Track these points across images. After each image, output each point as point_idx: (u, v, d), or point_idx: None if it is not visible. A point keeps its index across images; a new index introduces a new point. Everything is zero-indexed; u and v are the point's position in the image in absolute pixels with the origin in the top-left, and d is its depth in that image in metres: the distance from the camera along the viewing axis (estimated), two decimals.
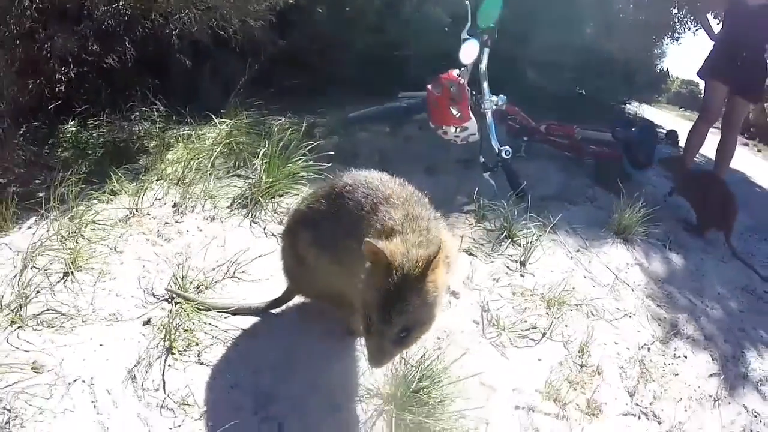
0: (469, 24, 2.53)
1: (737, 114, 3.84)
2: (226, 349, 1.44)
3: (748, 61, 3.64)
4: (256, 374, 1.38)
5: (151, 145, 2.46)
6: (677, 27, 6.87)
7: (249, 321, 1.55)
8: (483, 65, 2.55)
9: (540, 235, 2.22)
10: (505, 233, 2.26)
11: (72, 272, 1.59)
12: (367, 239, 1.07)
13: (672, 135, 6.02)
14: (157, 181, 2.15)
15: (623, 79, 5.51)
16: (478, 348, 1.64)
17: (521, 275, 2.08)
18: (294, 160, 2.18)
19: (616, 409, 1.58)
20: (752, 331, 2.30)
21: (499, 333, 1.73)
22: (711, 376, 1.92)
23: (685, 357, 1.98)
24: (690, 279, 2.57)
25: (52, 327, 1.42)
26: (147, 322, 1.49)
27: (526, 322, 1.81)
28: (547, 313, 1.88)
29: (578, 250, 2.40)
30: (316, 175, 2.17)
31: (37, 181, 2.11)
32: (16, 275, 1.55)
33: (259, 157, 2.22)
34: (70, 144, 2.37)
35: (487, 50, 2.53)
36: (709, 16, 4.13)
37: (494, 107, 2.64)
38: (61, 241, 1.71)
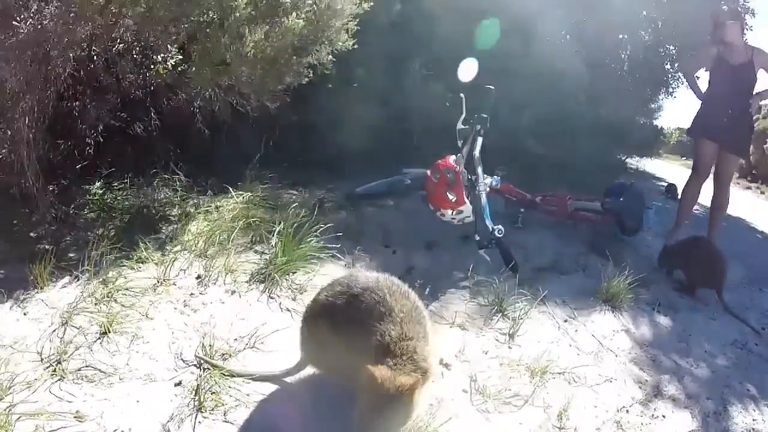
0: (463, 115, 2.82)
1: (727, 170, 3.99)
2: (249, 410, 1.60)
3: (735, 117, 3.79)
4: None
5: (173, 213, 2.63)
6: (671, 82, 7.20)
7: (268, 386, 1.71)
8: (477, 152, 2.82)
9: (529, 309, 2.41)
10: (496, 308, 2.44)
11: (107, 333, 1.75)
12: (366, 366, 1.35)
13: (671, 189, 6.34)
14: (181, 251, 2.33)
15: (619, 140, 5.82)
16: (465, 414, 1.79)
17: (509, 347, 2.25)
18: (307, 240, 2.37)
19: None
20: (738, 386, 2.40)
21: (485, 400, 1.88)
22: None
23: (664, 416, 2.08)
24: (676, 340, 2.70)
25: (92, 382, 1.57)
26: (178, 384, 1.64)
27: (510, 390, 1.96)
28: (531, 382, 2.04)
29: (566, 320, 2.57)
30: (326, 255, 2.41)
31: (67, 239, 2.27)
32: (54, 330, 1.72)
33: (275, 234, 2.43)
34: (96, 206, 2.54)
35: (480, 139, 2.81)
36: (696, 75, 4.27)
37: (488, 189, 2.91)
38: (95, 303, 1.87)
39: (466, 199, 2.76)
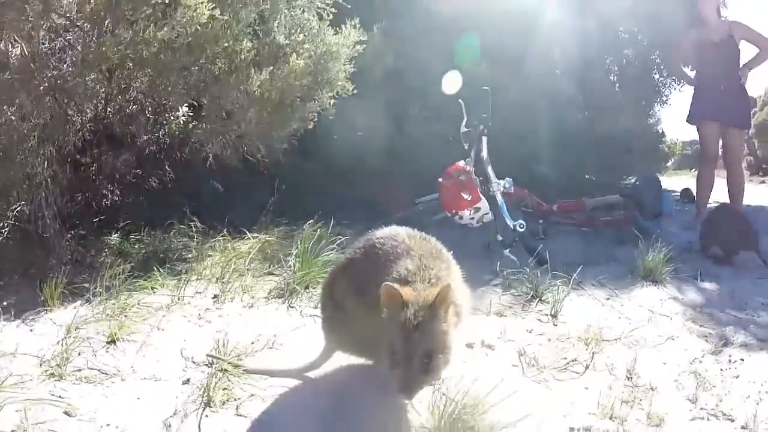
0: (465, 119, 2.88)
1: (736, 146, 3.95)
2: (265, 404, 1.44)
3: (730, 92, 3.80)
4: (299, 424, 1.36)
5: (190, 255, 2.61)
6: (662, 90, 7.19)
7: (289, 381, 1.56)
8: (484, 153, 2.82)
9: (568, 292, 2.26)
10: (531, 294, 2.31)
11: (115, 342, 1.66)
12: (386, 283, 1.23)
13: (686, 192, 6.16)
14: (197, 280, 2.27)
15: (623, 154, 5.75)
16: (519, 386, 1.60)
17: (554, 325, 2.09)
18: (325, 253, 2.32)
19: (680, 416, 1.52)
20: None
21: (540, 371, 1.70)
22: None
23: (742, 360, 1.91)
24: (728, 299, 2.56)
25: (92, 383, 1.46)
26: (186, 382, 1.51)
27: (565, 358, 1.79)
28: (586, 350, 1.87)
29: (608, 298, 2.42)
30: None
31: (83, 276, 2.23)
32: (59, 341, 1.62)
33: (292, 255, 2.36)
34: (113, 251, 2.53)
35: (485, 138, 2.83)
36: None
37: (502, 189, 2.85)
38: (106, 317, 1.79)
39: (481, 195, 2.70)
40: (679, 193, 6.28)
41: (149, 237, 2.72)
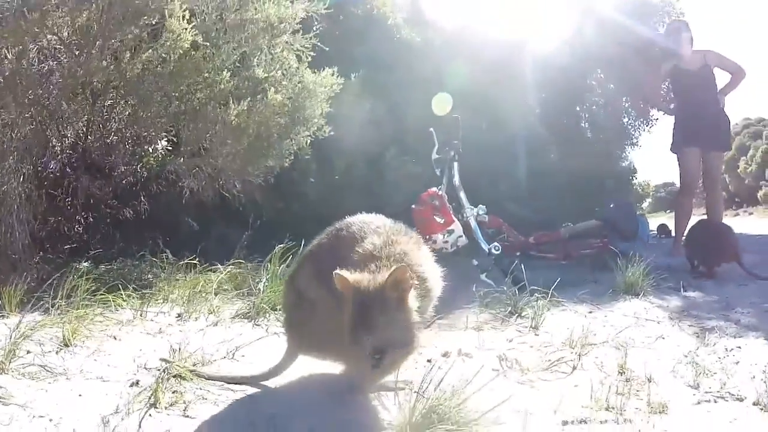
0: (436, 146, 2.95)
1: (715, 168, 4.02)
2: (216, 407, 1.37)
3: (709, 116, 3.88)
4: (249, 425, 1.29)
5: (159, 283, 2.57)
6: (632, 133, 7.38)
7: (244, 388, 1.50)
8: (456, 179, 2.88)
9: (549, 307, 2.24)
10: (510, 310, 2.27)
11: (68, 346, 1.61)
12: (336, 272, 1.16)
13: (663, 228, 6.30)
14: (162, 302, 2.23)
15: (596, 193, 5.80)
16: (502, 387, 1.52)
17: (535, 335, 2.04)
18: None
19: (684, 402, 1.46)
20: None
21: (524, 372, 1.65)
22: None
23: (739, 348, 1.87)
24: (714, 304, 2.56)
25: (35, 379, 1.39)
26: (135, 384, 1.44)
27: (549, 360, 1.73)
28: (572, 352, 1.81)
29: (590, 312, 2.40)
30: None
31: (45, 291, 2.18)
32: (8, 341, 1.56)
33: (262, 279, 2.35)
34: (81, 275, 2.49)
35: (456, 164, 2.89)
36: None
37: (476, 215, 2.88)
38: (61, 323, 1.72)
39: (454, 218, 2.73)
40: (656, 230, 6.41)
41: (119, 265, 2.69)
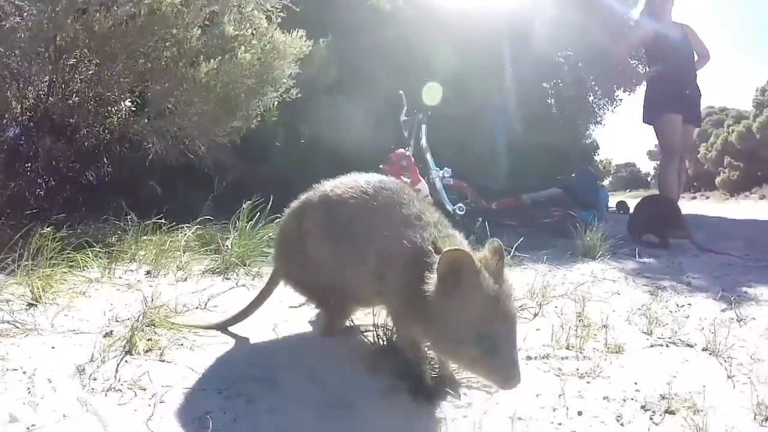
0: (405, 107, 2.98)
1: (690, 143, 4.00)
2: (192, 352, 1.38)
3: (692, 87, 3.85)
4: (228, 363, 1.32)
5: (125, 244, 2.53)
6: (597, 111, 7.59)
7: (218, 334, 1.51)
8: (423, 141, 2.92)
9: (509, 265, 2.30)
10: None
11: (36, 304, 1.57)
12: (450, 249, 0.98)
13: (622, 205, 6.52)
14: (130, 261, 2.20)
15: (560, 164, 5.97)
16: None
17: None
18: (265, 228, 2.31)
19: (638, 345, 1.56)
20: (747, 282, 2.39)
21: None
22: (723, 311, 1.92)
23: (690, 304, 1.99)
24: (668, 268, 2.69)
25: (4, 335, 1.36)
26: (108, 334, 1.43)
27: None
28: (533, 301, 1.91)
29: (550, 271, 2.49)
30: None
31: (9, 260, 2.12)
32: None
33: (230, 236, 2.33)
34: (45, 238, 2.42)
35: (424, 126, 2.92)
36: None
37: (441, 176, 2.93)
38: (29, 283, 1.69)
39: (421, 178, 2.78)
40: (615, 207, 6.65)
41: (83, 228, 2.62)
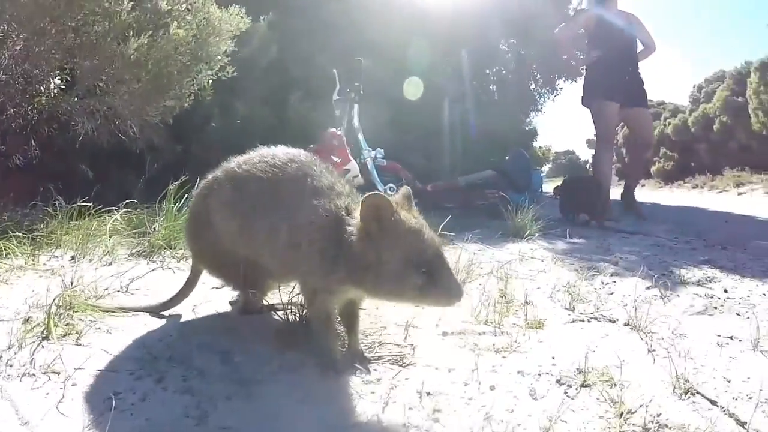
0: (338, 86, 2.98)
1: (648, 125, 3.93)
2: (109, 335, 1.37)
3: (635, 75, 3.83)
4: (142, 345, 1.32)
5: (51, 229, 2.46)
6: (538, 100, 7.83)
7: (142, 317, 1.51)
8: (356, 121, 2.93)
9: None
10: None
11: None
12: (370, 194, 1.05)
13: (558, 190, 6.74)
14: (56, 248, 2.15)
15: (499, 149, 6.10)
16: (380, 306, 1.61)
17: None
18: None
19: (559, 320, 1.58)
20: (674, 262, 2.47)
21: None
22: (648, 288, 1.97)
23: (614, 282, 2.04)
24: (598, 248, 2.76)
25: None
26: (26, 321, 1.41)
27: None
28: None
29: (479, 250, 2.53)
30: None
31: None
32: None
33: (158, 219, 2.31)
34: None
35: (356, 106, 2.94)
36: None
37: (373, 157, 2.98)
38: None
39: (351, 158, 2.81)
40: (552, 192, 6.88)
41: (10, 214, 2.54)
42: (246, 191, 1.29)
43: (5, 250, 1.96)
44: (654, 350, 1.35)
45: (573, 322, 1.58)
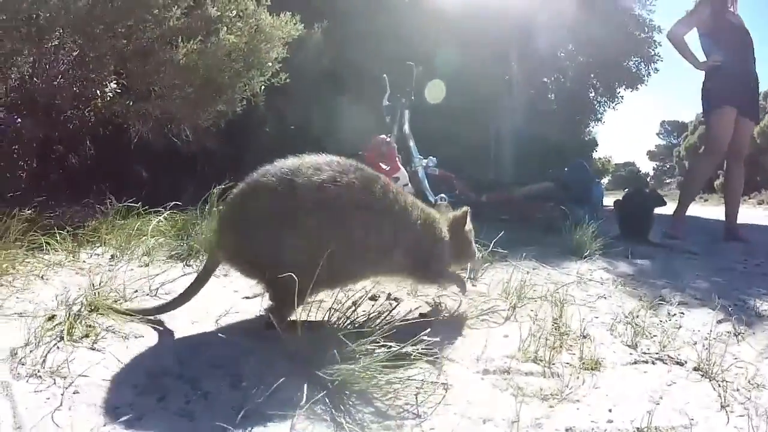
0: (388, 92, 2.88)
1: (746, 138, 3.63)
2: (126, 340, 1.34)
3: (753, 80, 3.55)
4: (154, 356, 1.27)
5: (100, 229, 2.51)
6: (597, 107, 7.49)
7: (162, 324, 1.47)
8: (406, 127, 2.83)
9: (492, 260, 2.19)
10: None
11: None
12: (465, 209, 1.75)
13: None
14: (99, 246, 2.17)
15: (558, 160, 5.83)
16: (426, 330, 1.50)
17: (473, 285, 2.01)
18: None
19: (619, 360, 1.39)
20: (747, 290, 2.23)
21: (452, 319, 1.64)
22: (720, 322, 1.75)
23: (682, 314, 1.84)
24: (663, 270, 2.53)
25: None
26: (51, 318, 1.40)
27: (481, 309, 1.70)
28: (506, 303, 1.79)
29: (534, 268, 2.35)
30: None
31: None
32: None
33: (199, 222, 2.29)
34: (22, 221, 2.41)
35: (407, 112, 2.83)
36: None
37: (424, 165, 2.85)
38: None
39: (400, 166, 2.70)
40: (613, 205, 6.52)
41: (64, 211, 2.62)
42: (338, 196, 1.36)
43: (48, 245, 1.99)
44: (728, 405, 1.15)
45: (635, 363, 1.38)
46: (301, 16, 3.30)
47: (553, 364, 1.31)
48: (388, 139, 2.80)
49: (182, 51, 2.55)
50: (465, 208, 1.69)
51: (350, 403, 1.07)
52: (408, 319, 1.58)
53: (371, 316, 1.41)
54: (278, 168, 1.43)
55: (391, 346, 1.16)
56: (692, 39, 3.84)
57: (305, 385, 1.05)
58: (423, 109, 3.31)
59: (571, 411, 1.10)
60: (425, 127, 3.21)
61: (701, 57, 3.76)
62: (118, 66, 2.74)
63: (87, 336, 1.33)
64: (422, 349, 1.20)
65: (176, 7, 2.58)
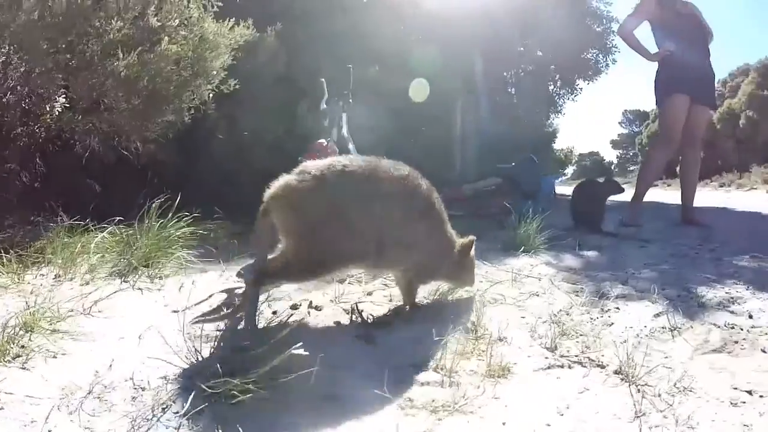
0: (326, 96, 2.90)
1: (701, 123, 3.65)
2: (55, 359, 1.36)
3: (705, 66, 3.57)
4: (77, 374, 1.27)
5: (48, 248, 2.49)
6: (557, 101, 7.64)
7: (94, 343, 1.49)
8: (345, 130, 2.84)
9: None
10: None
11: None
12: (472, 237, 1.85)
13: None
14: (45, 266, 2.16)
15: (518, 153, 5.90)
16: (338, 339, 1.53)
17: None
18: (171, 226, 2.27)
19: (532, 365, 1.30)
20: (695, 277, 2.18)
21: (366, 327, 1.63)
22: (657, 315, 1.68)
23: (617, 309, 1.75)
24: (610, 262, 2.50)
25: None
26: None
27: (398, 314, 1.72)
28: (430, 308, 1.78)
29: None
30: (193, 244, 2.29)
31: None
32: None
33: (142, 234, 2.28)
34: None
35: (344, 115, 2.86)
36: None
37: None
38: None
39: None
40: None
41: (12, 232, 2.58)
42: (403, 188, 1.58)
43: None
44: (643, 414, 1.05)
45: (548, 368, 1.29)
46: (254, 20, 3.31)
47: (456, 372, 1.23)
48: (326, 144, 2.81)
49: (123, 63, 2.53)
50: (471, 237, 1.79)
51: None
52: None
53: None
54: (358, 159, 1.62)
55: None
56: (647, 33, 3.92)
57: (190, 397, 1.08)
58: (379, 109, 3.31)
59: (460, 424, 1.02)
60: (387, 126, 3.22)
61: (656, 49, 3.80)
62: (65, 80, 2.71)
63: (19, 356, 1.33)
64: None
65: (117, 19, 2.57)
